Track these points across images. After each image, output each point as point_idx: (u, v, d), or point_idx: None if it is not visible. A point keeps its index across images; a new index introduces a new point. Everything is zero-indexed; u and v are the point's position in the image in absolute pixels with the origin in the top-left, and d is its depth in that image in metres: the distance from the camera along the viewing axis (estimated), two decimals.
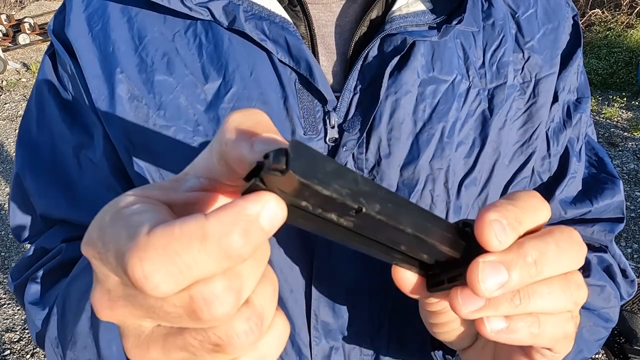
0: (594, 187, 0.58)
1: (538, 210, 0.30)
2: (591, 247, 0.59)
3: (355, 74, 0.48)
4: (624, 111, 4.19)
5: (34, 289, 0.54)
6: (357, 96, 0.48)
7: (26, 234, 0.58)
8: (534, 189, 0.56)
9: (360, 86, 0.48)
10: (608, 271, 0.58)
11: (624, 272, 0.59)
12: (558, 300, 0.30)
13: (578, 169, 0.56)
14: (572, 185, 0.56)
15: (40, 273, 0.54)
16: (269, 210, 0.21)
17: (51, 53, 0.54)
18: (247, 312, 0.22)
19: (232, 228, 0.20)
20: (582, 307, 0.51)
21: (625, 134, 3.90)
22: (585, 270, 0.56)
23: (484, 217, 0.28)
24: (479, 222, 0.28)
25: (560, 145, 0.55)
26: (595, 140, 0.61)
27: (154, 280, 0.20)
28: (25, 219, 0.58)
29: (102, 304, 0.24)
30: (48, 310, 0.52)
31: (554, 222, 0.57)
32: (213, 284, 0.21)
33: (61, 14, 0.52)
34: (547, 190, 0.55)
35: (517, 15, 0.52)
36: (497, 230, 0.27)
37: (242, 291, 0.22)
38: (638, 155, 3.61)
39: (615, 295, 0.57)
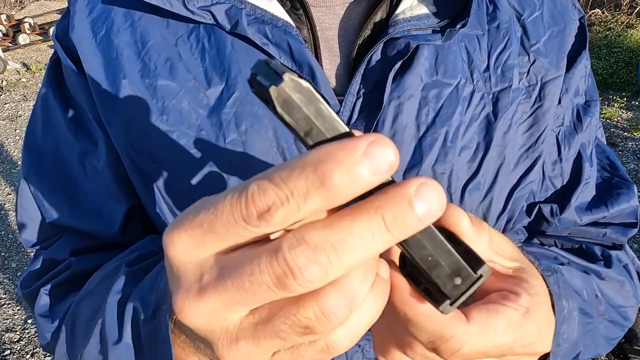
0: (608, 191, 0.57)
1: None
2: (606, 247, 0.58)
3: (358, 78, 0.47)
4: (624, 111, 4.19)
5: (43, 301, 0.53)
6: (360, 100, 0.48)
7: (34, 239, 0.58)
8: (548, 197, 0.56)
9: (363, 90, 0.48)
10: (625, 269, 0.57)
11: (638, 274, 0.58)
12: None
13: (591, 174, 0.56)
14: (586, 191, 0.56)
15: (50, 285, 0.54)
16: (374, 148, 0.20)
17: (55, 59, 0.54)
18: (336, 294, 0.22)
19: (331, 157, 0.20)
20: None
21: (625, 134, 3.90)
22: (607, 262, 0.55)
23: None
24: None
25: (572, 149, 0.54)
26: (605, 143, 0.61)
27: (267, 202, 0.20)
28: (32, 224, 0.57)
29: (188, 298, 0.23)
30: (58, 324, 0.52)
31: (570, 229, 0.57)
32: (303, 250, 0.21)
33: (65, 19, 0.52)
34: (563, 197, 0.55)
35: (522, 18, 0.51)
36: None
37: (329, 266, 0.21)
38: (638, 155, 3.61)
39: (634, 294, 0.56)
